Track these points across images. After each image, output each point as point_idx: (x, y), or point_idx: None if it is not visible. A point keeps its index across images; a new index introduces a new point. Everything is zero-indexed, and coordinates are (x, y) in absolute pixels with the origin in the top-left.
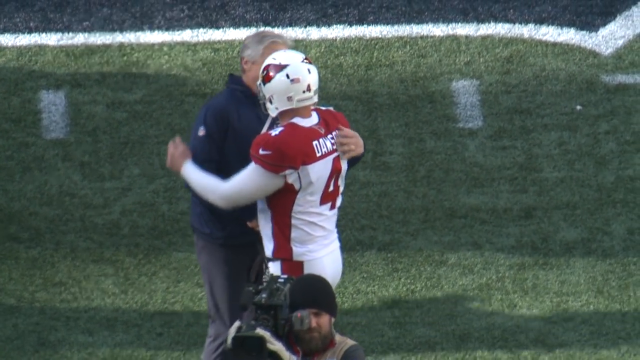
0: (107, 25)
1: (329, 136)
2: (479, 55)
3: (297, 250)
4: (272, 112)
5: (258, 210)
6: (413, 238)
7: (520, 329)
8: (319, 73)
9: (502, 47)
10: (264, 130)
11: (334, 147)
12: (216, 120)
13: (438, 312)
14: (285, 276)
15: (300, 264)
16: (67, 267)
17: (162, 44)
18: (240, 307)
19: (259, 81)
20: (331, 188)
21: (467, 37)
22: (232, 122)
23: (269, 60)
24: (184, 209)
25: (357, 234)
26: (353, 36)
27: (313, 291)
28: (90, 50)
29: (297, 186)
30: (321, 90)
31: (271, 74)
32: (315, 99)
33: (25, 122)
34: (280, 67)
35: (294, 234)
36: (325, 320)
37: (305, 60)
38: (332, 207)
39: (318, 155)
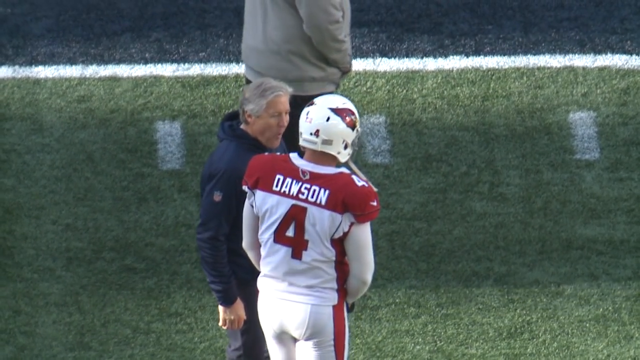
0: (223, 56)
1: None
2: (596, 87)
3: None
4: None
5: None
6: (529, 269)
7: None
8: (436, 104)
9: (619, 78)
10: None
11: None
12: (234, 184)
13: (554, 344)
14: None
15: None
16: (183, 298)
17: None
18: None
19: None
20: None
21: (584, 68)
22: None
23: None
24: None
25: (473, 265)
26: (470, 67)
27: None
28: (206, 81)
29: None
30: (437, 120)
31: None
32: None
33: (141, 153)
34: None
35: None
36: None
37: None
38: None
39: None
